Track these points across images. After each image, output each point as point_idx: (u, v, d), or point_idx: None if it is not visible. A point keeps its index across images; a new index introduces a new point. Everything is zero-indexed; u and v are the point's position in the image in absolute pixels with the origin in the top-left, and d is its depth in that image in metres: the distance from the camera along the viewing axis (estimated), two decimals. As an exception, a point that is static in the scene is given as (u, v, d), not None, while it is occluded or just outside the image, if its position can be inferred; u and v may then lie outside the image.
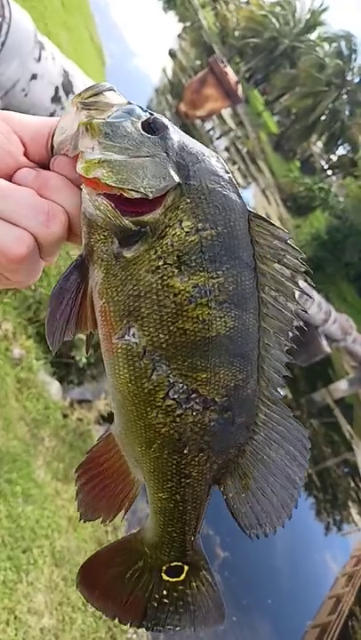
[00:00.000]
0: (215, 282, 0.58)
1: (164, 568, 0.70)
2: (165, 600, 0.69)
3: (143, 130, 0.59)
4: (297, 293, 0.61)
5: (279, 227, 0.60)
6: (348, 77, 40.90)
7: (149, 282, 0.58)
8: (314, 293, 9.80)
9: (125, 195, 0.57)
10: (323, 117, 42.06)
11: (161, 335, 0.58)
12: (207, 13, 51.41)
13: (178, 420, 0.60)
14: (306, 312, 0.63)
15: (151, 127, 0.59)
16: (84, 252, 0.60)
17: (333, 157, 50.35)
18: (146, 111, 0.61)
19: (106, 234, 0.58)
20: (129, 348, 0.59)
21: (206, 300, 0.58)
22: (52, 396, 5.02)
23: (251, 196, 31.08)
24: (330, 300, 20.77)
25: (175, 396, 0.60)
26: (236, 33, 49.85)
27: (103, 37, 17.08)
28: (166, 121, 0.61)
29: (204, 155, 0.61)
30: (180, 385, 0.59)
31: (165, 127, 0.60)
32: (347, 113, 41.38)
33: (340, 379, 18.58)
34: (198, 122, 26.90)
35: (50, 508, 4.09)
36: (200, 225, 0.58)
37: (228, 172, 0.61)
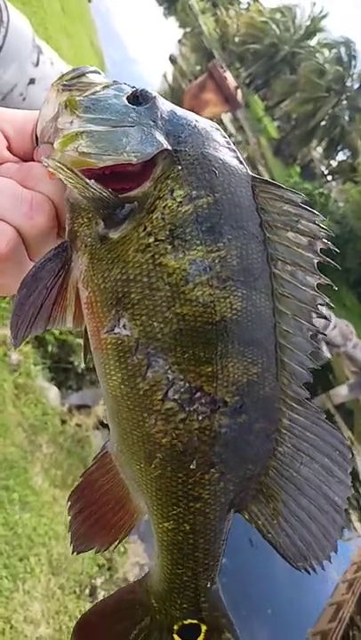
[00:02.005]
0: (215, 256, 0.49)
1: (176, 628, 0.56)
2: None
3: (129, 102, 0.53)
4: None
5: (289, 188, 0.52)
6: (348, 83, 41.09)
7: (139, 262, 0.49)
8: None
9: (106, 165, 0.50)
10: (323, 123, 42.23)
11: (155, 324, 0.49)
12: (207, 19, 51.70)
13: (181, 426, 0.49)
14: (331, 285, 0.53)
15: (137, 99, 0.54)
16: (68, 238, 0.53)
17: (333, 163, 50.50)
18: (133, 87, 0.56)
19: (90, 215, 0.51)
20: (119, 342, 0.50)
21: (206, 279, 0.49)
22: (50, 401, 4.99)
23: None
24: (329, 305, 20.76)
25: (176, 397, 0.49)
26: (237, 39, 50.14)
27: (104, 43, 17.15)
28: (155, 92, 0.56)
29: (196, 120, 0.54)
30: (182, 382, 0.49)
31: (153, 97, 0.54)
32: (346, 119, 41.54)
33: (340, 384, 18.55)
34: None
35: (47, 515, 4.06)
36: (194, 193, 0.50)
37: (226, 137, 0.55)
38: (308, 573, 0.55)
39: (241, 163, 0.54)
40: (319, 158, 50.92)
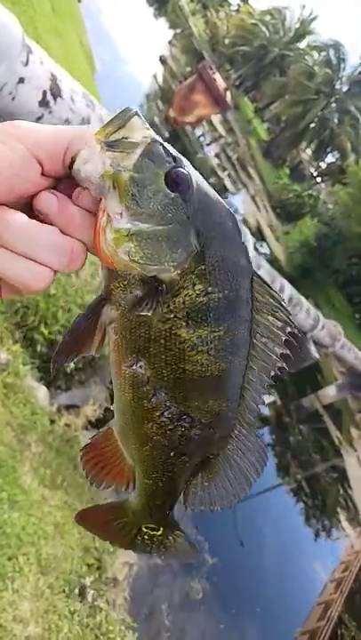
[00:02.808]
0: (216, 335, 0.67)
1: (143, 526, 0.86)
2: (147, 541, 0.86)
3: (167, 185, 0.62)
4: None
5: (275, 290, 0.69)
6: (337, 86, 41.31)
7: (160, 329, 0.66)
8: (302, 299, 9.84)
9: (149, 275, 0.63)
10: (312, 125, 42.43)
11: (164, 371, 0.68)
12: (198, 21, 51.75)
13: (168, 432, 0.72)
14: (292, 355, 0.71)
15: (174, 181, 0.63)
16: (103, 293, 0.67)
17: (322, 165, 50.76)
18: (169, 155, 0.63)
19: (125, 283, 0.64)
20: (135, 375, 0.69)
21: (206, 349, 0.67)
22: (39, 401, 4.98)
23: (240, 203, 31.22)
24: (318, 306, 20.89)
25: (169, 416, 0.71)
26: (227, 41, 50.20)
27: (94, 43, 17.13)
28: (187, 170, 0.64)
29: (221, 218, 0.66)
30: (175, 409, 0.71)
31: (188, 181, 0.64)
32: (336, 121, 41.76)
33: (328, 384, 18.66)
34: (189, 128, 27.02)
35: (36, 514, 4.05)
36: (210, 289, 0.65)
37: (240, 234, 0.68)
38: (201, 512, 0.80)
39: (248, 260, 0.68)
40: (308, 160, 51.18)
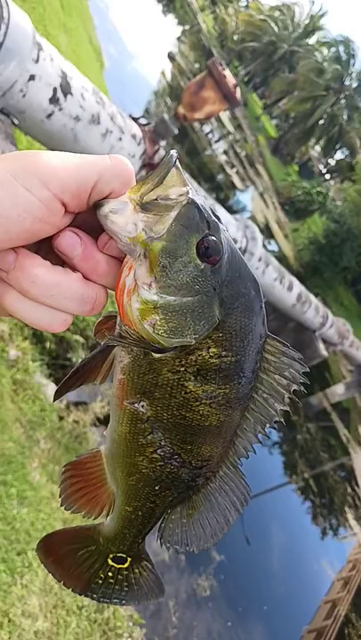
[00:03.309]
0: (220, 392, 0.69)
1: (110, 556, 0.83)
2: (110, 580, 0.83)
3: (198, 254, 0.62)
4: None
5: (292, 348, 0.70)
6: (347, 82, 41.09)
7: (168, 378, 0.68)
8: (311, 297, 9.81)
9: (171, 346, 0.65)
10: (321, 122, 42.23)
11: (165, 415, 0.70)
12: (206, 17, 51.56)
13: (158, 468, 0.74)
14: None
15: (206, 251, 0.63)
16: (116, 340, 0.67)
17: (331, 161, 50.50)
18: (203, 220, 0.62)
19: (141, 338, 0.66)
20: (136, 412, 0.71)
21: (209, 402, 0.69)
22: (47, 397, 5.00)
23: (249, 200, 31.13)
24: (327, 303, 20.80)
25: (161, 453, 0.73)
26: (235, 37, 50.01)
27: (102, 40, 17.11)
28: (220, 238, 0.63)
29: (246, 287, 0.67)
30: (168, 448, 0.73)
31: (218, 251, 0.63)
32: (345, 117, 41.56)
33: (337, 383, 18.59)
34: (197, 125, 26.96)
35: (45, 510, 4.07)
36: (223, 353, 0.67)
37: (261, 299, 0.70)
38: (177, 553, 0.79)
39: (263, 325, 0.70)
40: (317, 157, 50.93)
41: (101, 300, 0.64)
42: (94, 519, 0.82)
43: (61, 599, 3.74)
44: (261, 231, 7.38)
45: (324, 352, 11.36)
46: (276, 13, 48.47)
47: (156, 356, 0.66)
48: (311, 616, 9.56)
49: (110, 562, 0.83)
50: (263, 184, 35.26)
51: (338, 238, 29.29)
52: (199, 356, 0.67)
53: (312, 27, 46.86)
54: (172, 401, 0.69)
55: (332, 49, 42.61)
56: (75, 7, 13.97)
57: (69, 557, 0.83)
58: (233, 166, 31.41)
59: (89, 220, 0.62)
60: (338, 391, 17.64)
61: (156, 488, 0.76)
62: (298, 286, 8.86)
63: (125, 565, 0.84)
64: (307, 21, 47.21)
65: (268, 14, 48.53)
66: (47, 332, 0.65)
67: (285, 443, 14.36)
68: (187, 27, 46.92)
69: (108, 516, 0.82)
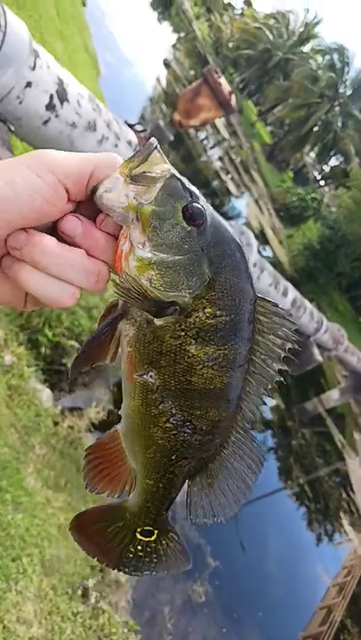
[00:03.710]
0: (221, 352, 0.74)
1: (138, 530, 0.87)
2: (140, 553, 0.88)
3: (184, 219, 0.70)
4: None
5: (281, 307, 0.75)
6: (341, 90, 41.37)
7: (171, 345, 0.73)
8: (306, 302, 9.84)
9: (168, 300, 0.70)
10: (315, 128, 42.48)
11: (172, 382, 0.75)
12: (201, 24, 51.86)
13: (172, 436, 0.78)
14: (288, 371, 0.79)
15: (191, 214, 0.71)
16: (120, 310, 0.74)
17: (326, 168, 50.79)
18: (186, 190, 0.71)
19: (142, 303, 0.71)
20: (145, 384, 0.76)
21: (211, 364, 0.74)
22: (42, 403, 4.99)
23: (244, 206, 31.22)
24: (322, 309, 20.87)
25: (173, 422, 0.77)
26: (230, 44, 50.32)
27: (98, 47, 17.19)
28: (202, 204, 0.72)
29: (230, 248, 0.74)
30: (179, 416, 0.77)
31: (202, 216, 0.71)
32: (339, 124, 41.80)
33: (331, 388, 18.62)
34: (192, 131, 27.06)
35: (40, 516, 4.06)
36: (218, 312, 0.73)
37: (246, 262, 0.76)
38: (207, 526, 0.82)
39: (252, 286, 0.75)
40: (312, 163, 51.21)
41: (104, 273, 0.70)
42: (118, 497, 0.87)
43: (56, 605, 3.73)
44: (256, 237, 7.42)
45: (318, 357, 11.39)
46: (271, 21, 48.82)
47: (158, 323, 0.72)
48: (306, 622, 9.54)
49: (138, 535, 0.87)
50: (258, 190, 35.40)
51: (332, 244, 29.40)
52: (197, 317, 0.72)
53: (307, 35, 47.22)
54: (177, 367, 0.74)
55: (327, 57, 42.88)
56: (71, 15, 14.04)
57: (100, 534, 0.88)
58: (228, 173, 31.53)
59: (89, 209, 0.71)
60: (333, 396, 17.66)
61: (173, 458, 0.80)
62: (293, 292, 8.89)
63: (153, 538, 0.88)
64: (301, 29, 47.57)
65: (262, 22, 48.86)
66: (58, 306, 0.69)
67: (280, 448, 14.36)
68: (182, 34, 47.18)
69: (130, 492, 0.87)
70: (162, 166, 0.71)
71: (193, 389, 0.75)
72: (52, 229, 0.69)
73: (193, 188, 0.73)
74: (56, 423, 5.15)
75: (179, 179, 0.72)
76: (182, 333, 0.73)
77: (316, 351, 11.31)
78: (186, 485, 0.84)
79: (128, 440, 0.84)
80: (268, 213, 33.81)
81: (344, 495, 15.43)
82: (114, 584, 4.67)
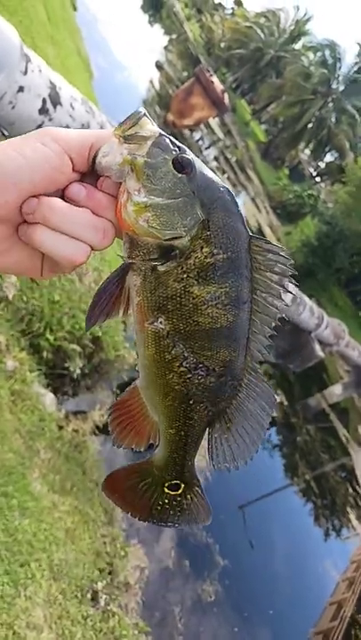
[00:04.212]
0: (223, 290, 0.78)
1: (166, 484, 0.91)
2: (167, 506, 0.92)
3: (174, 168, 0.76)
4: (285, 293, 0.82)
5: (274, 243, 0.79)
6: (334, 85, 41.36)
7: (176, 288, 0.78)
8: (305, 299, 9.83)
9: (165, 238, 0.75)
10: (310, 125, 42.47)
11: (181, 325, 0.79)
12: (193, 26, 51.88)
13: (187, 381, 0.82)
14: (287, 305, 0.83)
15: (180, 164, 0.76)
16: (126, 262, 0.78)
17: (321, 164, 50.79)
18: (174, 145, 0.77)
19: (145, 251, 0.77)
20: (156, 331, 0.80)
21: (215, 303, 0.78)
22: (46, 407, 4.99)
23: (241, 205, 31.19)
24: (322, 305, 20.85)
25: (187, 365, 0.81)
26: (222, 44, 50.35)
27: (90, 50, 17.20)
28: (190, 156, 0.77)
29: (220, 192, 0.79)
30: (192, 358, 0.81)
31: (191, 164, 0.77)
32: (333, 120, 41.79)
33: (334, 383, 18.62)
34: (187, 132, 27.07)
35: (47, 520, 4.06)
36: (215, 251, 0.77)
37: (237, 204, 0.80)
38: (229, 472, 0.85)
39: (244, 226, 0.80)
40: (307, 160, 51.22)
41: (109, 229, 0.75)
42: (144, 449, 0.91)
43: (66, 609, 3.73)
44: (254, 235, 7.43)
45: (320, 353, 11.39)
46: (262, 20, 48.84)
47: (162, 269, 0.77)
48: (317, 618, 9.53)
49: (166, 490, 0.92)
50: (254, 189, 35.41)
51: (330, 240, 29.40)
52: (196, 258, 0.77)
53: (298, 32, 47.25)
54: (183, 309, 0.79)
55: (319, 53, 42.86)
56: (62, 19, 14.05)
57: (131, 491, 0.93)
58: (224, 172, 31.53)
59: (92, 179, 0.77)
60: (336, 392, 17.66)
61: (191, 403, 0.84)
62: (292, 288, 8.89)
63: (179, 492, 0.92)
64: (292, 27, 47.60)
65: (253, 21, 48.89)
66: (72, 264, 0.74)
67: (285, 445, 14.34)
68: (174, 36, 47.22)
69: (156, 447, 0.91)
70: (151, 128, 0.77)
71: (201, 330, 0.80)
72: (61, 199, 0.74)
73: (180, 144, 0.78)
74: (60, 427, 5.15)
75: (167, 136, 0.78)
76: (185, 276, 0.78)
77: (317, 347, 11.31)
78: (207, 434, 0.88)
79: (147, 392, 0.88)
80: (265, 211, 33.82)
81: (350, 490, 15.41)
82: (123, 586, 4.67)
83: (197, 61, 38.08)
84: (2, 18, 2.97)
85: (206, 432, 0.88)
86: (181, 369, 0.82)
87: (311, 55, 43.66)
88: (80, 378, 5.64)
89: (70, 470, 4.88)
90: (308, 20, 47.73)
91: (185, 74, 35.40)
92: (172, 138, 0.79)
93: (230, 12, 59.41)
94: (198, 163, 0.79)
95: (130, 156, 0.75)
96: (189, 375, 0.82)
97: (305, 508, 13.02)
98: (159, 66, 36.76)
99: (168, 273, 0.78)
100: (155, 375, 0.84)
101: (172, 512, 0.93)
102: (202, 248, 0.77)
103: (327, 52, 41.75)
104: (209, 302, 0.78)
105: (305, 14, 47.83)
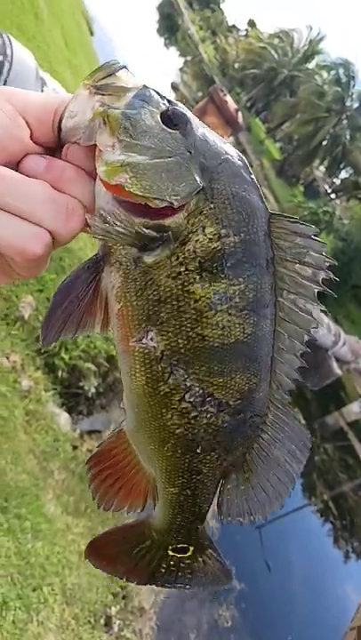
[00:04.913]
0: (236, 289, 0.57)
1: (170, 547, 0.71)
2: (173, 569, 0.72)
3: (163, 123, 0.56)
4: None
5: (303, 222, 0.58)
6: (348, 103, 41.55)
7: (170, 287, 0.56)
8: (322, 316, 9.76)
9: (150, 204, 0.54)
10: (324, 142, 42.61)
11: (179, 340, 0.57)
12: (207, 47, 52.71)
13: (192, 421, 0.60)
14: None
15: (171, 119, 0.57)
16: (101, 252, 0.58)
17: (337, 181, 50.77)
18: (164, 98, 0.58)
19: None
20: (146, 351, 0.58)
21: (226, 307, 0.57)
22: (61, 427, 4.97)
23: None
24: (338, 322, 20.68)
25: (191, 400, 0.59)
26: (236, 65, 51.02)
27: (106, 73, 17.52)
28: (186, 111, 0.58)
29: (226, 152, 0.58)
30: (197, 389, 0.59)
31: (186, 119, 0.57)
32: (348, 137, 41.90)
33: (352, 401, 18.35)
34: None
35: (60, 543, 4.01)
36: (223, 231, 0.56)
37: (251, 173, 0.60)
38: (241, 525, 0.67)
39: (262, 200, 0.59)
40: (322, 177, 51.28)
41: (75, 207, 0.55)
42: (140, 512, 0.71)
43: (79, 636, 3.66)
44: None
45: (337, 371, 11.27)
46: (275, 41, 49.40)
47: (149, 259, 0.56)
48: (338, 645, 9.26)
49: (171, 553, 0.72)
50: (270, 206, 35.37)
51: (346, 256, 29.27)
52: (196, 242, 0.55)
53: (311, 51, 47.66)
54: (182, 318, 0.57)
55: (332, 72, 43.20)
56: (79, 44, 14.35)
57: (124, 557, 0.73)
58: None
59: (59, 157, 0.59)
60: (354, 409, 17.39)
61: (198, 451, 0.62)
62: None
63: (188, 555, 0.72)
64: (305, 47, 48.05)
65: (267, 42, 49.47)
66: (24, 256, 0.53)
67: (303, 465, 14.12)
68: (189, 57, 48.02)
69: (154, 504, 0.71)
70: (133, 80, 0.58)
71: (208, 348, 0.57)
72: None
73: (174, 100, 0.60)
74: (75, 447, 5.12)
75: (154, 89, 0.59)
76: (182, 268, 0.56)
77: (334, 365, 11.19)
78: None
79: (138, 438, 0.66)
80: (280, 228, 33.83)
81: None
82: (137, 611, 4.58)
83: (212, 82, 38.59)
84: (17, 42, 3.02)
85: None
86: (183, 405, 0.59)
87: (325, 74, 44.01)
88: (95, 397, 5.62)
89: (84, 491, 4.83)
90: (321, 39, 48.16)
91: (200, 94, 35.89)
92: (161, 92, 0.59)
93: (244, 33, 60.26)
94: (196, 120, 0.59)
95: (103, 107, 0.55)
96: (195, 413, 0.60)
97: (323, 529, 12.76)
98: (175, 87, 37.33)
99: (159, 265, 0.56)
100: (147, 415, 0.62)
101: (180, 574, 0.72)
102: (203, 228, 0.55)
103: (341, 71, 42.03)
104: (217, 306, 0.56)
105: (318, 34, 48.30)
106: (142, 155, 0.54)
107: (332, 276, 0.59)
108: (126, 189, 0.53)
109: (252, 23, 62.91)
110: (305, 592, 9.87)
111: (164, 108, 0.57)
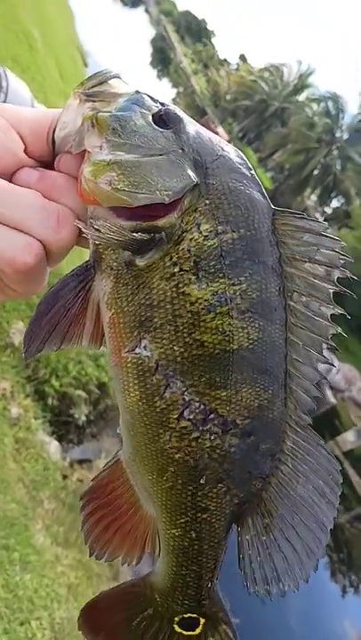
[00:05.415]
0: (236, 289, 0.52)
1: (176, 619, 0.61)
2: None
3: (155, 124, 0.54)
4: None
5: (311, 218, 0.55)
6: (338, 134, 42.51)
7: (163, 290, 0.52)
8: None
9: (138, 203, 0.51)
10: (315, 172, 43.43)
11: (175, 348, 0.52)
12: (199, 79, 54.02)
13: (194, 444, 0.53)
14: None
15: (163, 120, 0.55)
16: (92, 258, 0.55)
17: (328, 210, 51.53)
18: (156, 101, 0.57)
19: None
20: (140, 362, 0.53)
21: (227, 309, 0.52)
22: (51, 456, 4.90)
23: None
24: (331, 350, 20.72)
25: (191, 417, 0.52)
26: (228, 96, 52.23)
27: (101, 105, 17.89)
28: (179, 111, 0.57)
29: (223, 149, 0.56)
30: (197, 404, 0.52)
31: (179, 119, 0.55)
32: (338, 167, 42.71)
33: (347, 430, 18.25)
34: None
35: (49, 575, 3.91)
36: (220, 228, 0.52)
37: (251, 168, 0.57)
38: (270, 598, 0.55)
39: (263, 195, 0.56)
40: (314, 206, 52.03)
41: (66, 214, 0.54)
42: (137, 564, 0.60)
43: (68, 673, 3.53)
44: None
45: (332, 399, 11.23)
46: (266, 74, 50.78)
47: (141, 262, 0.52)
48: None
49: (177, 628, 0.60)
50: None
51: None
52: (191, 240, 0.52)
53: (301, 85, 48.95)
54: (178, 323, 0.52)
55: (322, 104, 44.33)
56: (73, 75, 14.65)
57: (123, 631, 0.61)
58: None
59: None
60: (349, 439, 17.29)
61: (202, 482, 0.54)
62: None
63: (197, 632, 0.60)
64: (295, 80, 49.36)
65: (258, 75, 50.85)
66: (13, 266, 0.51)
67: (298, 494, 13.96)
68: (181, 89, 49.22)
69: (154, 554, 0.61)
70: (126, 88, 0.57)
71: (208, 355, 0.52)
72: None
73: (166, 102, 0.58)
74: (65, 476, 5.03)
75: (147, 94, 0.57)
76: (175, 269, 0.52)
77: (328, 393, 11.16)
78: (235, 532, 0.57)
79: (135, 468, 0.58)
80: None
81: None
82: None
83: (204, 113, 39.47)
84: (12, 74, 3.08)
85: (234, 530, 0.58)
86: (182, 423, 0.52)
87: (315, 106, 45.14)
88: (85, 425, 5.55)
89: (75, 521, 4.73)
90: (310, 73, 49.49)
91: (192, 125, 36.66)
92: (154, 96, 0.58)
93: (235, 67, 61.91)
94: (191, 120, 0.57)
95: (92, 111, 0.54)
96: (196, 434, 0.52)
97: (320, 562, 12.54)
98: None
99: (152, 268, 0.52)
100: (143, 437, 0.55)
101: None
102: (199, 225, 0.52)
103: (330, 104, 43.12)
104: (216, 308, 0.51)
105: (308, 68, 49.67)
106: (131, 153, 0.52)
107: (348, 273, 0.55)
108: (113, 186, 0.51)
109: (243, 58, 64.75)
110: (302, 627, 9.65)
111: (155, 109, 0.56)
